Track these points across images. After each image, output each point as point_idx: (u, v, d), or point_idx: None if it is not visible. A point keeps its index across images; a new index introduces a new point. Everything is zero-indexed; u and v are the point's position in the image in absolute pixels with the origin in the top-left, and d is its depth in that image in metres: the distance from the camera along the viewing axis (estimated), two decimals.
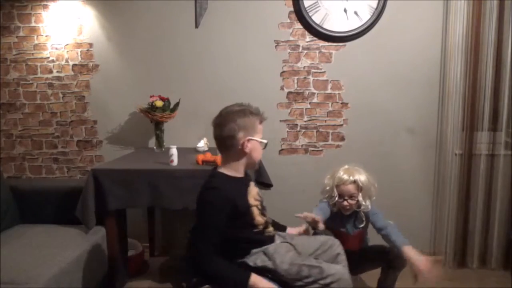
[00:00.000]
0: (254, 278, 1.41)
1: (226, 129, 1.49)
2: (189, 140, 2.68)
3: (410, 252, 1.78)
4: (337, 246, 1.71)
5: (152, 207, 2.73)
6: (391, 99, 2.68)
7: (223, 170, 1.56)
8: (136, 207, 2.18)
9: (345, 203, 1.96)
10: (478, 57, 2.50)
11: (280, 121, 2.76)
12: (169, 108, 2.60)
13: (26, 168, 2.92)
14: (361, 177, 1.98)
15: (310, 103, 2.74)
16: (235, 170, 1.56)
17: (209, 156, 2.19)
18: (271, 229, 1.64)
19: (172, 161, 2.14)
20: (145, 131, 2.80)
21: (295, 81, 2.73)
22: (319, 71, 2.71)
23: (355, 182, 1.96)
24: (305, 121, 2.76)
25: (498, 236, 2.60)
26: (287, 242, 1.64)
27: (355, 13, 2.57)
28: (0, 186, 2.22)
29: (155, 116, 2.54)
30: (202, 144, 2.58)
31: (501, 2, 2.44)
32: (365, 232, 2.11)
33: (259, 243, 1.55)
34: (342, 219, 2.06)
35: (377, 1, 2.54)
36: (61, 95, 2.83)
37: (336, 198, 1.98)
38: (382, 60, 2.66)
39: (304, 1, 2.57)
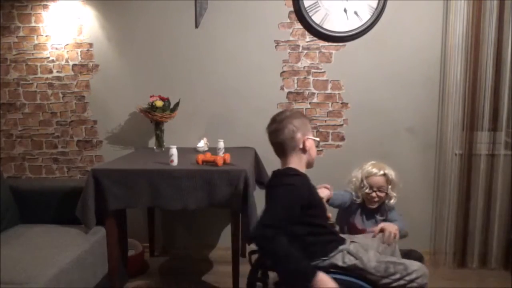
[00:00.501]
0: (322, 276, 1.36)
1: (286, 132, 1.55)
2: (189, 140, 2.68)
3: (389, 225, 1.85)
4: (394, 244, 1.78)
5: (152, 207, 2.73)
6: (391, 99, 2.68)
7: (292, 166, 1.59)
8: (136, 207, 2.19)
9: (374, 194, 2.01)
10: (478, 57, 2.50)
11: None
12: (169, 108, 2.60)
13: (26, 168, 2.92)
14: (391, 171, 2.05)
15: (310, 103, 2.74)
16: (301, 167, 1.60)
17: (209, 156, 2.19)
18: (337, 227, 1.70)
19: (172, 161, 2.14)
20: (145, 131, 2.80)
21: (295, 81, 2.73)
22: (319, 71, 2.71)
23: (385, 175, 2.02)
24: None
25: (498, 236, 2.60)
26: (355, 242, 1.66)
27: (355, 13, 2.57)
28: (0, 186, 2.22)
29: (155, 116, 2.54)
30: (202, 144, 2.58)
31: (501, 2, 2.44)
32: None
33: (334, 234, 1.61)
34: (363, 213, 2.09)
35: (377, 1, 2.54)
36: (61, 95, 2.83)
37: (367, 190, 2.01)
38: (382, 60, 2.66)
39: (304, 1, 2.57)
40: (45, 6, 2.74)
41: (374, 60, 2.66)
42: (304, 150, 1.57)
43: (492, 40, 2.46)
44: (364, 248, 1.59)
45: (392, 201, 2.05)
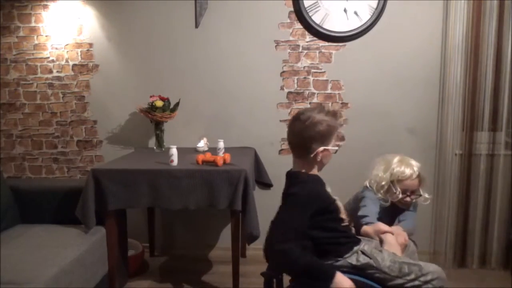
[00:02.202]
0: (340, 276, 1.35)
1: (304, 139, 1.48)
2: (189, 140, 2.68)
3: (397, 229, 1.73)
4: (412, 245, 1.77)
5: (152, 207, 2.73)
6: (391, 99, 2.68)
7: (305, 170, 1.54)
8: (136, 207, 2.19)
9: (408, 199, 1.85)
10: (478, 57, 2.50)
11: (280, 121, 2.76)
12: (169, 108, 2.60)
13: (26, 168, 2.92)
14: (418, 166, 1.87)
15: (310, 103, 2.74)
16: (311, 171, 1.55)
17: (209, 156, 2.19)
18: (353, 228, 1.66)
19: (172, 161, 2.14)
20: (145, 131, 2.80)
21: (295, 81, 2.73)
22: (319, 71, 2.71)
23: (419, 175, 1.85)
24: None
25: (498, 236, 2.60)
26: (370, 242, 1.65)
27: (355, 13, 2.57)
28: (0, 186, 2.22)
29: (155, 116, 2.54)
30: (202, 144, 2.58)
31: (501, 2, 2.44)
32: None
33: (349, 237, 1.56)
34: (393, 214, 1.94)
35: (377, 1, 2.54)
36: (61, 95, 2.83)
37: (400, 195, 1.83)
38: (382, 60, 2.66)
39: (304, 1, 2.57)
40: (45, 6, 2.74)
41: (374, 60, 2.66)
42: (314, 159, 1.50)
43: (492, 40, 2.46)
44: (378, 249, 1.59)
45: (427, 202, 1.90)
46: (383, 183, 1.87)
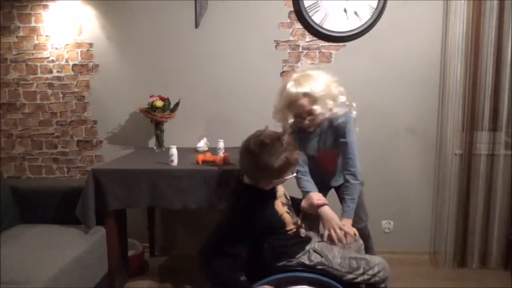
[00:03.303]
0: None
1: (253, 171, 1.49)
2: (189, 140, 2.68)
3: (346, 229, 1.69)
4: (359, 239, 1.80)
5: (152, 207, 2.73)
6: (391, 99, 2.68)
7: (253, 184, 1.53)
8: (136, 207, 2.19)
9: (306, 122, 1.68)
10: (478, 57, 2.50)
11: None
12: (169, 108, 2.60)
13: (26, 168, 2.92)
14: (314, 85, 1.63)
15: None
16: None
17: (209, 156, 2.19)
18: (303, 230, 1.67)
19: (172, 161, 2.14)
20: (145, 131, 2.80)
21: None
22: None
23: (305, 95, 1.63)
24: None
25: (498, 236, 2.60)
26: (323, 241, 1.69)
27: (355, 13, 2.57)
28: (0, 186, 2.22)
29: (155, 116, 2.54)
30: (202, 144, 2.58)
31: (501, 2, 2.44)
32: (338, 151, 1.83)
33: (298, 239, 1.59)
34: (306, 139, 1.80)
35: (377, 1, 2.54)
36: (61, 95, 2.83)
37: (291, 119, 1.67)
38: (382, 60, 2.66)
39: (304, 1, 2.57)
40: (45, 6, 2.74)
41: (374, 60, 2.66)
42: (267, 186, 1.52)
43: (492, 40, 2.45)
44: (329, 245, 1.64)
45: (329, 117, 1.68)
46: (279, 109, 1.74)
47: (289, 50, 2.70)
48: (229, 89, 2.75)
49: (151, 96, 2.58)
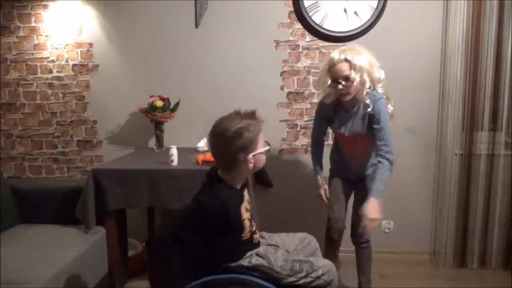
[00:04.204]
0: None
1: (224, 153, 1.45)
2: (189, 140, 2.68)
3: (369, 206, 1.78)
4: (314, 242, 1.78)
5: (152, 207, 2.73)
6: (391, 99, 2.67)
7: (225, 178, 1.50)
8: (136, 207, 2.19)
9: (340, 86, 1.80)
10: (478, 57, 2.50)
11: (280, 121, 2.76)
12: (169, 108, 2.60)
13: (26, 168, 2.92)
14: (357, 56, 1.79)
15: (310, 103, 2.74)
16: (236, 182, 1.52)
17: (209, 156, 2.18)
18: (258, 234, 1.64)
19: (172, 161, 2.14)
20: (145, 131, 2.80)
21: (295, 81, 2.73)
22: (319, 71, 2.70)
23: (346, 60, 1.77)
24: (305, 121, 2.76)
25: (498, 236, 2.60)
26: (272, 245, 1.66)
27: (355, 13, 2.57)
28: (0, 186, 2.22)
29: (155, 116, 2.54)
30: (202, 144, 2.58)
31: (501, 2, 2.44)
32: (369, 139, 1.93)
33: (247, 249, 1.55)
34: (341, 116, 1.93)
35: (377, 1, 2.54)
36: (61, 95, 2.83)
37: (329, 82, 1.82)
38: (382, 60, 2.63)
39: (304, 1, 2.57)
40: (45, 6, 2.74)
41: None
42: (247, 168, 1.46)
43: (492, 40, 2.45)
44: (275, 248, 1.62)
45: (367, 85, 1.81)
46: (321, 75, 1.89)
47: (289, 50, 2.70)
48: (229, 89, 2.75)
49: (151, 96, 2.58)
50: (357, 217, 1.98)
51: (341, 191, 2.11)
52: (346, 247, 2.31)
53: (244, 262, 1.52)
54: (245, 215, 1.51)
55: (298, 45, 2.69)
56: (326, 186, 2.16)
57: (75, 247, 2.00)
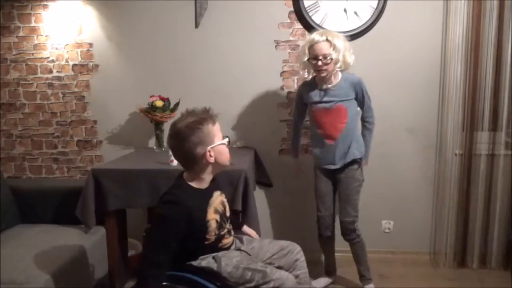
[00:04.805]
0: None
1: (183, 150, 1.45)
2: None
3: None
4: (296, 252, 1.70)
5: (152, 207, 2.73)
6: (391, 99, 2.68)
7: (189, 180, 1.51)
8: (136, 207, 2.19)
9: (319, 63, 2.03)
10: (478, 57, 2.50)
11: (280, 121, 2.76)
12: (169, 108, 2.60)
13: (26, 168, 2.92)
14: (335, 38, 2.03)
15: None
16: (202, 181, 1.52)
17: None
18: (229, 239, 1.61)
19: (172, 161, 2.14)
20: (145, 131, 2.80)
21: (295, 81, 2.73)
22: (299, 50, 2.69)
23: (327, 40, 2.02)
24: (305, 121, 2.75)
25: (498, 236, 2.60)
26: (241, 250, 1.64)
27: (355, 13, 2.57)
28: (0, 186, 2.22)
29: (155, 116, 2.54)
30: None
31: (501, 2, 2.44)
32: (351, 108, 2.18)
33: (208, 251, 1.53)
34: (320, 93, 2.17)
35: (377, 1, 2.54)
36: (61, 95, 2.83)
37: (307, 58, 2.07)
38: (382, 60, 2.66)
39: (304, 1, 2.57)
40: (45, 6, 2.74)
41: (374, 60, 2.65)
42: (207, 162, 1.47)
43: (492, 40, 2.45)
44: (237, 254, 1.57)
45: (338, 65, 2.06)
46: (300, 54, 2.16)
47: (289, 50, 2.70)
48: (229, 89, 2.74)
49: (151, 96, 2.58)
50: (344, 216, 2.23)
51: (325, 191, 2.30)
52: (342, 246, 2.35)
53: (195, 262, 1.49)
54: (212, 216, 1.50)
55: (298, 45, 2.68)
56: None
57: (75, 247, 2.00)
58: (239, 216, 2.17)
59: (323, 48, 2.02)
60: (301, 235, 2.76)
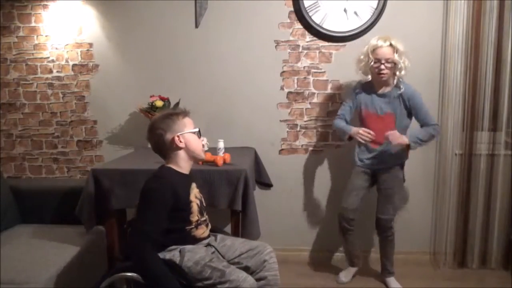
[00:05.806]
0: None
1: (155, 136, 1.63)
2: None
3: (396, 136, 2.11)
4: (266, 253, 1.71)
5: None
6: None
7: (169, 165, 1.67)
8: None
9: (382, 66, 2.10)
10: (478, 57, 2.50)
11: (280, 121, 2.76)
12: (169, 108, 2.60)
13: (26, 168, 2.92)
14: (398, 43, 2.12)
15: (310, 103, 2.74)
16: (180, 166, 1.67)
17: (209, 156, 2.18)
18: (206, 231, 1.70)
19: None
20: (145, 131, 2.76)
21: (295, 81, 2.73)
22: (319, 71, 2.71)
23: (391, 45, 2.11)
24: (305, 121, 2.76)
25: (498, 236, 2.60)
26: (211, 245, 1.70)
27: (355, 13, 2.57)
28: (0, 186, 2.22)
29: None
30: None
31: (501, 2, 2.44)
32: (400, 118, 2.22)
33: (186, 239, 1.61)
34: (373, 98, 2.23)
35: (377, 1, 2.54)
36: (61, 95, 2.83)
37: (372, 63, 2.12)
38: None
39: (304, 1, 2.57)
40: (45, 6, 2.74)
41: None
42: (177, 147, 1.62)
43: (492, 40, 2.45)
44: (203, 250, 1.63)
45: (402, 72, 2.13)
46: (361, 57, 2.21)
47: (289, 50, 2.70)
48: (229, 89, 2.74)
49: (151, 96, 2.58)
50: (383, 214, 2.30)
51: (358, 187, 2.33)
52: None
53: (162, 254, 1.56)
54: (194, 198, 1.64)
55: (298, 45, 2.69)
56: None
57: (75, 247, 2.00)
58: (239, 216, 2.17)
59: (387, 52, 2.10)
60: (301, 235, 2.77)
